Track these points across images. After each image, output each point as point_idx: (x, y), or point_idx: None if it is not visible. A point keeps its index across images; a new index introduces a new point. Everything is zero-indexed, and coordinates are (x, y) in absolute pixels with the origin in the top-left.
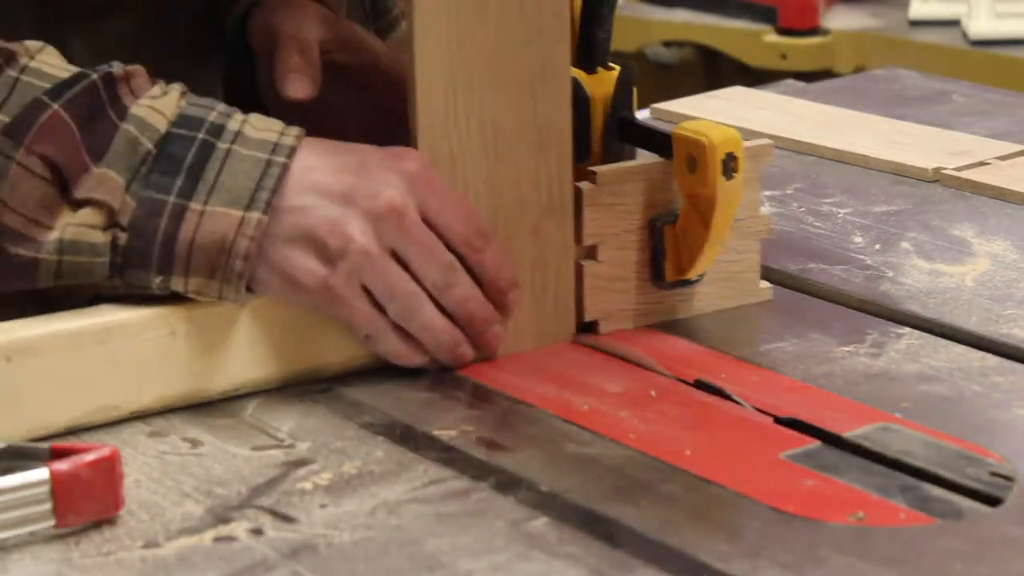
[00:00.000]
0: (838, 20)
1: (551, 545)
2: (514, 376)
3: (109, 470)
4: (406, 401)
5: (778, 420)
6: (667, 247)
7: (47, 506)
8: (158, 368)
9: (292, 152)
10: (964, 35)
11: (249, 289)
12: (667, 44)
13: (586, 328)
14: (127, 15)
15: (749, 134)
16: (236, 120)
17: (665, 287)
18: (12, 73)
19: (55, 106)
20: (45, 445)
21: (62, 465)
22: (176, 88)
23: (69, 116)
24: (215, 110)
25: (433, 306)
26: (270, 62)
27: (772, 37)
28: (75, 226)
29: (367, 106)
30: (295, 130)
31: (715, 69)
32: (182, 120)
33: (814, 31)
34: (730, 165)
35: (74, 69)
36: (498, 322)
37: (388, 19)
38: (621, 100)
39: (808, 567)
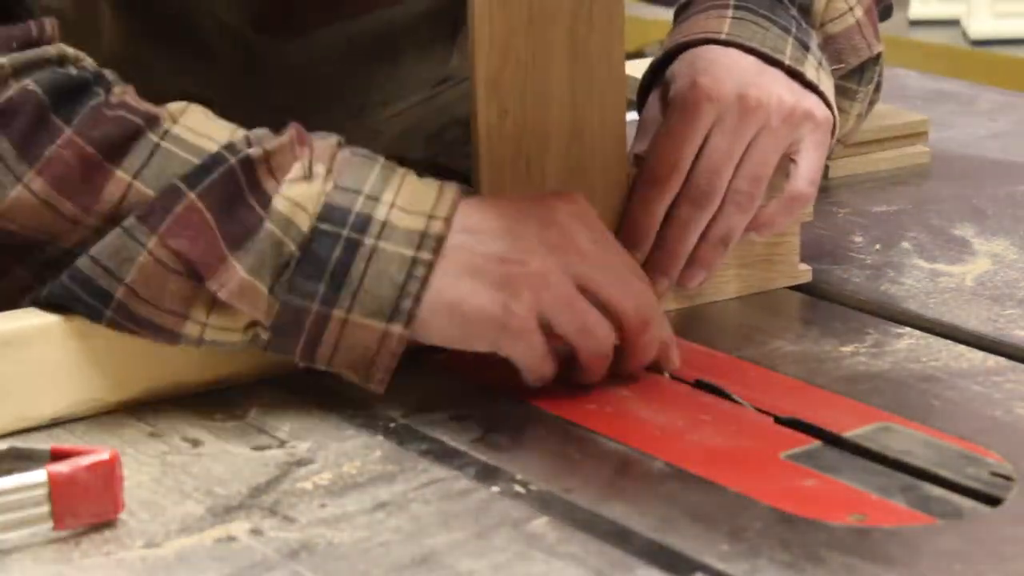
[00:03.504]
0: None
1: (551, 545)
2: (514, 375)
3: (108, 473)
4: (406, 401)
5: (778, 420)
6: None
7: (45, 508)
8: (143, 361)
9: (439, 246)
10: (964, 35)
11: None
12: None
13: None
14: None
15: None
16: (384, 205)
17: None
18: (154, 138)
19: (191, 195)
20: (46, 447)
21: (60, 468)
22: (320, 170)
23: (205, 206)
24: (362, 194)
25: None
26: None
27: None
28: (215, 328)
29: None
30: (445, 207)
31: None
32: (326, 213)
33: None
34: None
35: (219, 130)
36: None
37: None
38: None
39: (808, 567)
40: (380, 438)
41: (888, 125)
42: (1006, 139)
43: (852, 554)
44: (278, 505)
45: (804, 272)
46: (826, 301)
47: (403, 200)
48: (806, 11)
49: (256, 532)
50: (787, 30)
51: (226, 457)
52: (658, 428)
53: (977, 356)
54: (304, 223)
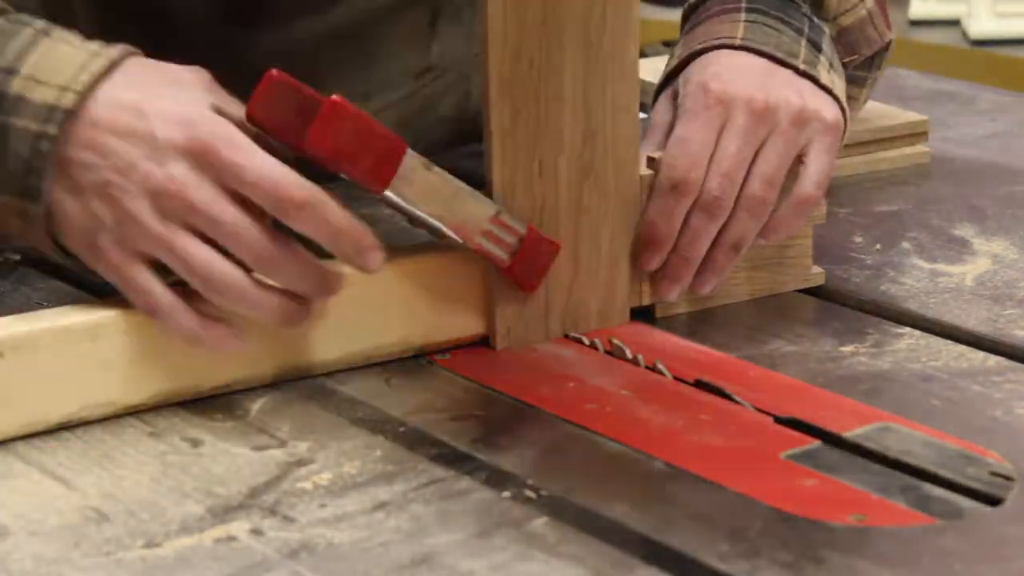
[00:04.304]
0: None
1: (551, 545)
2: (514, 376)
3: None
4: (406, 401)
5: (778, 420)
6: None
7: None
8: (151, 365)
9: (67, 118)
10: (964, 35)
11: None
12: (667, 44)
13: (643, 312)
14: None
15: None
16: (20, 78)
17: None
18: None
19: None
20: None
21: None
22: None
23: None
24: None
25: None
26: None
27: None
28: None
29: None
30: (85, 78)
31: None
32: None
33: None
34: None
35: None
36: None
37: None
38: None
39: (808, 567)
40: (380, 438)
41: (888, 125)
42: (1006, 139)
43: (852, 554)
44: (278, 505)
45: (817, 275)
46: (826, 301)
47: (42, 69)
48: (819, 5)
49: (256, 532)
50: (800, 31)
51: (226, 457)
52: (658, 428)
53: (977, 356)
54: None
